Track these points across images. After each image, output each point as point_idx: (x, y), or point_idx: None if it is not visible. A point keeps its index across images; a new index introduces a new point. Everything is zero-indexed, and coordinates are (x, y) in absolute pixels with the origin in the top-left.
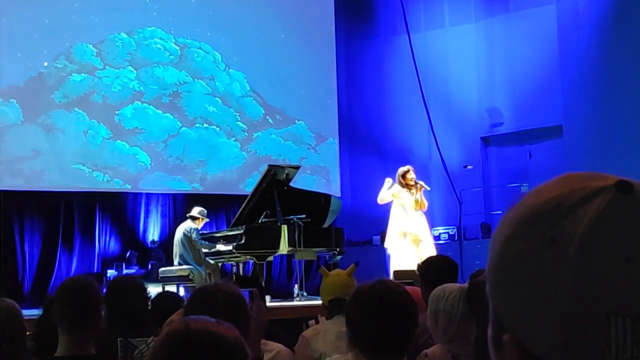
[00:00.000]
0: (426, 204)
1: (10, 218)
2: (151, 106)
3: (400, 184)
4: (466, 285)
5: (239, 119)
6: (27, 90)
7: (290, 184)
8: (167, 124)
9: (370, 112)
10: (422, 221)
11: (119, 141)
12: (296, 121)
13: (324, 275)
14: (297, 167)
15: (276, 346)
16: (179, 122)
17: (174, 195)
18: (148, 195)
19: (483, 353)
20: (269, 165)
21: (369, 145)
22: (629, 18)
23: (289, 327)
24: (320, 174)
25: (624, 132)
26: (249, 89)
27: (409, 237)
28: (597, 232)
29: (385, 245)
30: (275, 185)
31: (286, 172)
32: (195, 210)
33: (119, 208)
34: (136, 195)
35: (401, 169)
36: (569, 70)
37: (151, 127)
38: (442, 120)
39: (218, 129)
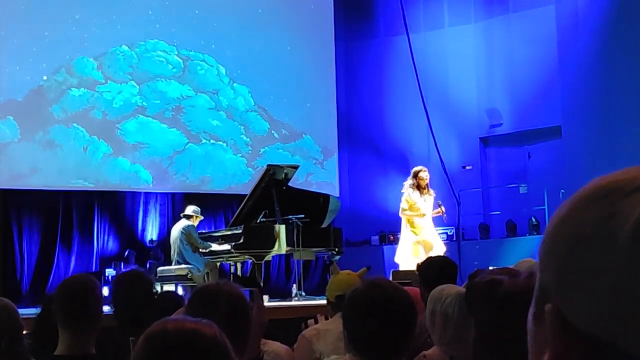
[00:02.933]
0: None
1: (8, 216)
2: (155, 120)
3: (412, 184)
4: (464, 288)
5: (244, 133)
6: (26, 105)
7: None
8: (174, 139)
9: (369, 112)
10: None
11: (120, 157)
12: (303, 135)
13: (334, 273)
14: (295, 167)
15: (276, 345)
16: (185, 138)
17: (173, 194)
18: (147, 194)
19: (481, 355)
20: (268, 165)
21: (367, 146)
22: (628, 19)
23: (288, 327)
24: (327, 190)
25: (623, 132)
26: (253, 103)
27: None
28: None
29: (397, 260)
30: (274, 184)
31: (285, 171)
32: (190, 209)
33: (118, 207)
34: (135, 195)
35: (416, 168)
36: (568, 71)
37: (156, 143)
38: (441, 120)
39: (224, 144)
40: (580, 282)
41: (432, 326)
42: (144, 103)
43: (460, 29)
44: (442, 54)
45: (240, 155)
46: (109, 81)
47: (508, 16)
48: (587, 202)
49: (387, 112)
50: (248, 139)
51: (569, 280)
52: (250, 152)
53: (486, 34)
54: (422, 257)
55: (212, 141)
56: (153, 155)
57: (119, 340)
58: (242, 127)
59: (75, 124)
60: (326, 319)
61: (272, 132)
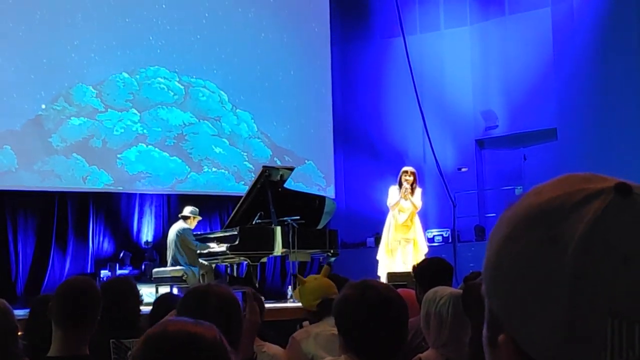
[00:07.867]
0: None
1: (3, 217)
2: (157, 149)
3: (400, 181)
4: (458, 290)
5: (247, 160)
6: (23, 135)
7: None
8: (175, 168)
9: (366, 114)
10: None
11: (120, 188)
12: (305, 161)
13: (301, 283)
14: (291, 169)
15: (272, 348)
16: (187, 167)
17: (168, 195)
18: (142, 195)
19: (478, 356)
20: (263, 167)
21: (364, 148)
22: (623, 22)
23: (283, 329)
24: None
25: (618, 135)
26: (256, 129)
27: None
28: (596, 234)
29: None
30: (270, 186)
31: (280, 173)
32: (187, 210)
33: (113, 208)
34: (130, 196)
35: (405, 167)
36: (564, 73)
37: (157, 172)
38: (437, 122)
39: (227, 172)
40: (530, 313)
41: (427, 328)
42: (145, 131)
43: (456, 31)
44: (438, 56)
45: (242, 182)
46: (109, 109)
47: (504, 19)
48: (525, 226)
49: (383, 113)
50: (251, 166)
51: (518, 311)
52: (253, 179)
53: (482, 36)
54: (396, 261)
55: (214, 169)
56: (155, 185)
57: (100, 341)
58: (245, 154)
59: (75, 154)
60: (312, 322)
61: (275, 159)
